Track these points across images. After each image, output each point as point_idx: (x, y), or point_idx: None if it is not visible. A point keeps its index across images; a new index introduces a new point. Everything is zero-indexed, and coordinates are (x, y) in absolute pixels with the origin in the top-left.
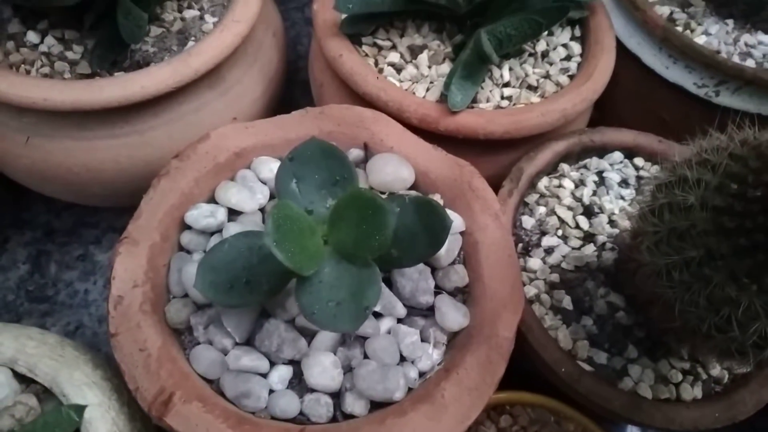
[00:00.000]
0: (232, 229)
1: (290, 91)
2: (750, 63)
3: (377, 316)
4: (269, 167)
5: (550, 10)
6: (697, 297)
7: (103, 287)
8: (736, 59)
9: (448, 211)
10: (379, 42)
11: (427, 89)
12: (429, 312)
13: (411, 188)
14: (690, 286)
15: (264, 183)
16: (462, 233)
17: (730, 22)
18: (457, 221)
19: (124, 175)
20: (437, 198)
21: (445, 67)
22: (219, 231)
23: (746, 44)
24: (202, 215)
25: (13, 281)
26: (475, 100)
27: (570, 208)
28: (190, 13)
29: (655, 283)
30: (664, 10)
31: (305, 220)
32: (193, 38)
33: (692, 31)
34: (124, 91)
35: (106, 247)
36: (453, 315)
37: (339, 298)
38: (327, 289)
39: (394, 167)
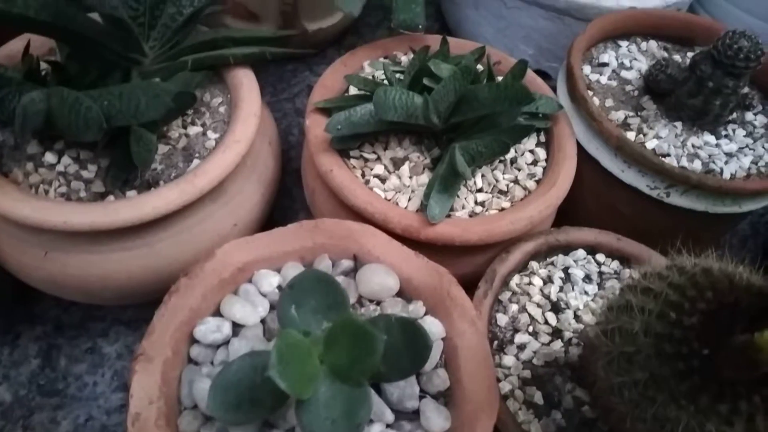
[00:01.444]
0: (237, 344)
1: (283, 180)
2: (697, 164)
3: (369, 422)
4: (269, 281)
5: (516, 129)
6: (644, 413)
7: (111, 379)
8: (684, 161)
9: (430, 318)
10: (365, 155)
11: (409, 199)
12: (414, 416)
13: (396, 295)
14: (638, 403)
15: (264, 296)
16: (443, 339)
17: (679, 124)
18: (437, 328)
19: (134, 282)
20: (419, 305)
21: (425, 177)
22: (225, 343)
23: (693, 146)
24: (209, 330)
25: (25, 376)
26: (451, 208)
27: (539, 305)
28: (193, 130)
29: (609, 398)
30: (619, 115)
31: (304, 344)
32: (197, 155)
33: (644, 135)
34: (137, 212)
35: (113, 339)
36: (436, 419)
37: (334, 416)
38: (323, 408)
39: (381, 278)
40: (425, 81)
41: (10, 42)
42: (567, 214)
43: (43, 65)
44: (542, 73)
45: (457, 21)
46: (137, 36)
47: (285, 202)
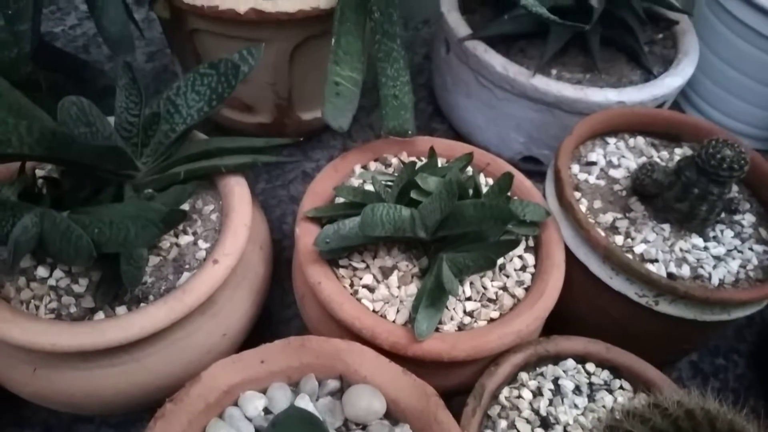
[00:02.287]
0: None
1: (276, 271)
2: (685, 269)
3: None
4: (254, 405)
5: (503, 244)
6: None
7: None
8: (672, 266)
9: None
10: (354, 264)
11: (398, 311)
12: None
13: (383, 417)
14: None
15: (250, 420)
16: None
17: (667, 227)
18: None
19: (121, 396)
20: (406, 429)
21: (413, 288)
22: None
23: (681, 249)
24: None
25: None
26: (440, 321)
27: (528, 421)
28: (184, 239)
29: None
30: (607, 218)
31: None
32: (187, 266)
33: (632, 239)
34: (125, 333)
35: None
36: None
37: None
38: None
39: (368, 401)
40: (413, 194)
41: None
42: (558, 315)
43: (39, 172)
44: (533, 160)
45: (450, 106)
46: (130, 156)
47: (277, 292)
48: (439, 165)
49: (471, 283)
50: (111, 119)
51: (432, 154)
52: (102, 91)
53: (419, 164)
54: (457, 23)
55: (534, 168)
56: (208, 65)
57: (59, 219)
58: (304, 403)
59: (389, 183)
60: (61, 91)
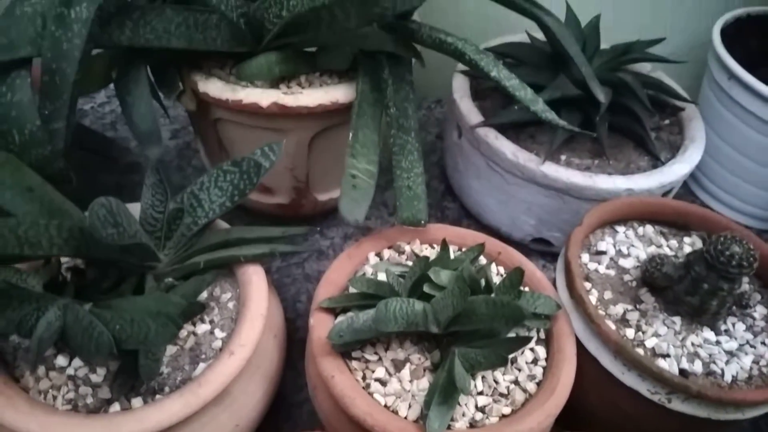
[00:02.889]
0: None
1: (289, 352)
2: (698, 364)
3: None
4: None
5: (515, 341)
6: None
7: None
8: (684, 362)
9: None
10: (367, 356)
11: (409, 406)
12: None
13: None
14: None
15: None
16: None
17: (678, 319)
18: None
19: None
20: None
21: (425, 382)
22: None
23: (693, 344)
24: None
25: None
26: (452, 418)
27: None
28: (201, 328)
29: None
30: (618, 309)
31: None
32: (203, 356)
33: (644, 332)
34: (141, 426)
35: None
36: None
37: None
38: None
39: None
40: (426, 288)
41: None
42: (568, 407)
43: (63, 259)
44: (544, 241)
45: (461, 187)
46: (153, 249)
47: (290, 374)
48: (452, 255)
49: (483, 377)
50: (135, 206)
51: (444, 246)
52: (127, 168)
53: (432, 257)
54: (469, 110)
55: (545, 249)
56: (231, 163)
57: (82, 314)
58: None
59: (403, 273)
60: (88, 168)
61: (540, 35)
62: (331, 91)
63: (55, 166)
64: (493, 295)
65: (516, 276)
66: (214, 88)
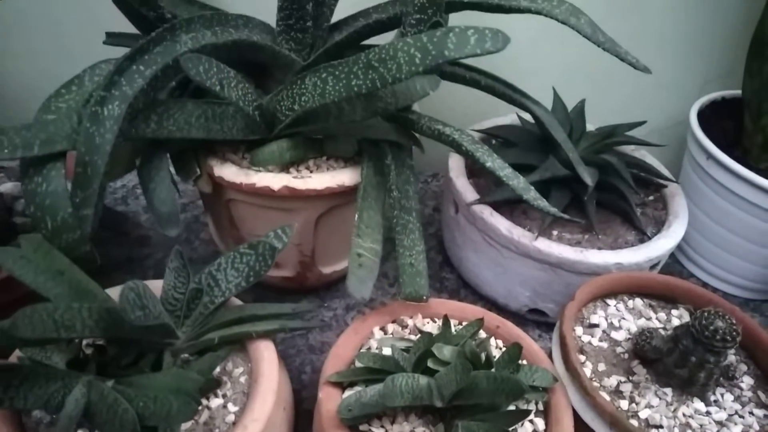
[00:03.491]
0: None
1: (296, 424)
2: None
3: None
4: None
5: (515, 414)
6: None
7: None
8: None
9: None
10: (374, 429)
11: None
12: None
13: None
14: None
15: None
16: None
17: (669, 391)
18: None
19: None
20: None
21: None
22: None
23: (684, 415)
24: None
25: None
26: None
27: None
28: (215, 402)
29: None
30: (611, 381)
31: None
32: (216, 429)
33: (637, 404)
34: None
35: None
36: None
37: None
38: None
39: None
40: (430, 363)
41: None
42: None
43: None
44: (539, 312)
45: (459, 259)
46: (173, 328)
47: None
48: (453, 329)
49: None
50: (156, 283)
51: (446, 322)
52: (137, 241)
53: (434, 332)
54: (465, 188)
55: (540, 319)
56: (247, 246)
57: (107, 391)
58: None
59: (407, 348)
60: (100, 242)
61: (529, 117)
62: (337, 175)
63: (82, 249)
64: (493, 369)
65: (515, 351)
66: (229, 172)
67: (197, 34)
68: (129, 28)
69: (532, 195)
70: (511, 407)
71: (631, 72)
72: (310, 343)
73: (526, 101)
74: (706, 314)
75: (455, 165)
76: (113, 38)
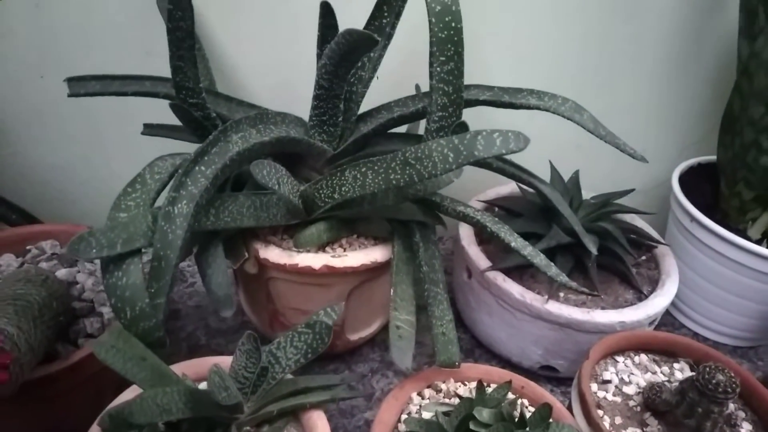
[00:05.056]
0: None
1: None
2: None
3: None
4: None
5: None
6: None
7: None
8: None
9: None
10: None
11: None
12: None
13: None
14: None
15: None
16: None
17: None
18: None
19: None
20: None
21: None
22: None
23: None
24: None
25: None
26: None
27: None
28: None
29: None
30: None
31: None
32: None
33: None
34: None
35: None
36: None
37: None
38: None
39: None
40: (471, 425)
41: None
42: None
43: None
44: (550, 368)
45: (473, 321)
46: (243, 404)
47: None
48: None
49: None
50: (209, 360)
51: (480, 387)
52: (169, 315)
53: (468, 394)
54: (477, 256)
55: (551, 375)
56: (305, 325)
57: None
58: None
59: (447, 411)
60: None
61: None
62: (370, 253)
63: (155, 335)
64: (528, 429)
65: (545, 411)
66: (273, 254)
67: (245, 133)
68: (159, 117)
69: (554, 272)
70: None
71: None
72: (341, 407)
73: (533, 180)
74: (707, 369)
75: (466, 234)
76: (150, 129)
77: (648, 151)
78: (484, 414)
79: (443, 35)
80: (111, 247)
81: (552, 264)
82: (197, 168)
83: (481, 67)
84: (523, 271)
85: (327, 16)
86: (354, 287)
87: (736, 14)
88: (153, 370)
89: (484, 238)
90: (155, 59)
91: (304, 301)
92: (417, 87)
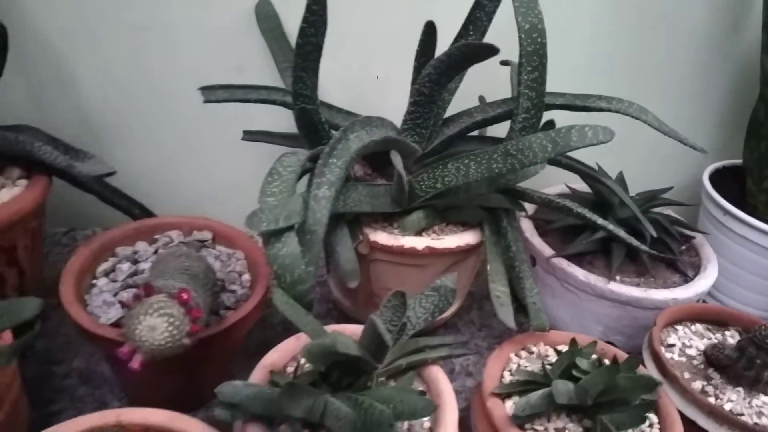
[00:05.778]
0: None
1: None
2: (764, 420)
3: None
4: None
5: (647, 404)
6: None
7: None
8: (755, 418)
9: None
10: (536, 427)
11: None
12: None
13: None
14: None
15: None
16: None
17: (741, 389)
18: None
19: None
20: None
21: None
22: None
23: (756, 405)
24: None
25: None
26: None
27: None
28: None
29: None
30: (696, 385)
31: None
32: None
33: (720, 399)
34: None
35: None
36: None
37: None
38: None
39: None
40: (573, 372)
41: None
42: None
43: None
44: (610, 343)
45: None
46: (388, 347)
47: None
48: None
49: None
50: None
51: (574, 343)
52: None
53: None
54: (541, 246)
55: None
56: (431, 289)
57: (360, 399)
58: None
59: (549, 364)
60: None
61: (577, 186)
62: (463, 237)
63: (306, 298)
64: (621, 373)
65: (634, 361)
66: (382, 237)
67: (358, 133)
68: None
69: (636, 243)
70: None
71: (646, 148)
72: None
73: (597, 175)
74: (763, 327)
75: (528, 227)
76: (250, 135)
77: (675, 155)
78: (583, 363)
79: (530, 49)
80: (275, 222)
81: (632, 237)
82: (331, 160)
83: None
84: (581, 258)
85: (430, 33)
86: (446, 268)
87: (757, 33)
88: (313, 324)
89: (544, 230)
90: (245, 75)
91: (399, 282)
92: (481, 98)
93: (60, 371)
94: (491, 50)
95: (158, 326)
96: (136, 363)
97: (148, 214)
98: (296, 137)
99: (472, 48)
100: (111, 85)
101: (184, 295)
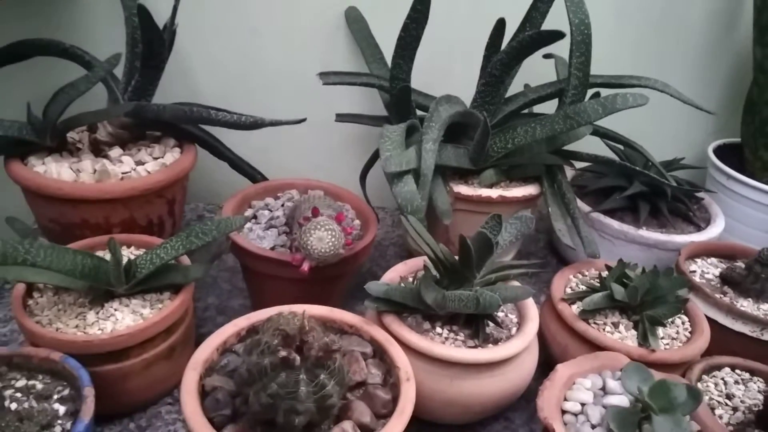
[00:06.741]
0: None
1: None
2: None
3: None
4: (584, 385)
5: (681, 301)
6: None
7: None
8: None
9: None
10: (597, 322)
11: (630, 342)
12: None
13: None
14: None
15: (588, 389)
16: None
17: (750, 299)
18: None
19: (494, 399)
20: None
21: (633, 331)
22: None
23: (763, 310)
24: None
25: None
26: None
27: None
28: (501, 316)
29: None
30: (717, 295)
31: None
32: (508, 329)
33: (736, 304)
34: (497, 354)
35: None
36: None
37: None
38: None
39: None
40: (625, 279)
41: None
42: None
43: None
44: None
45: (575, 255)
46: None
47: None
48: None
49: (664, 331)
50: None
51: (621, 262)
52: None
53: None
54: (581, 205)
55: None
56: (514, 218)
57: (479, 292)
58: (614, 381)
59: (603, 276)
60: None
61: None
62: (526, 189)
63: (423, 224)
64: (660, 279)
65: (670, 271)
66: (463, 189)
67: (445, 107)
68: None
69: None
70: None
71: (653, 126)
72: None
73: (633, 143)
74: (765, 249)
75: None
76: (342, 117)
77: (680, 134)
78: (631, 273)
79: (579, 38)
80: (400, 166)
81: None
82: (431, 124)
83: None
84: (612, 214)
85: (500, 28)
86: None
87: (748, 30)
88: (431, 239)
89: (579, 194)
90: (331, 68)
91: (472, 229)
92: (526, 86)
93: (200, 306)
94: (558, 35)
95: (324, 238)
96: (305, 267)
97: (265, 179)
98: (378, 118)
99: (542, 34)
100: (224, 76)
101: (341, 217)
